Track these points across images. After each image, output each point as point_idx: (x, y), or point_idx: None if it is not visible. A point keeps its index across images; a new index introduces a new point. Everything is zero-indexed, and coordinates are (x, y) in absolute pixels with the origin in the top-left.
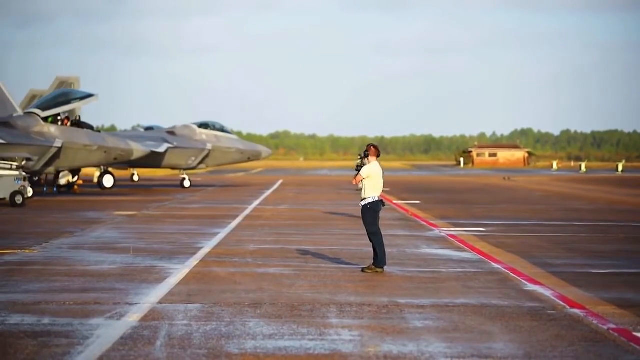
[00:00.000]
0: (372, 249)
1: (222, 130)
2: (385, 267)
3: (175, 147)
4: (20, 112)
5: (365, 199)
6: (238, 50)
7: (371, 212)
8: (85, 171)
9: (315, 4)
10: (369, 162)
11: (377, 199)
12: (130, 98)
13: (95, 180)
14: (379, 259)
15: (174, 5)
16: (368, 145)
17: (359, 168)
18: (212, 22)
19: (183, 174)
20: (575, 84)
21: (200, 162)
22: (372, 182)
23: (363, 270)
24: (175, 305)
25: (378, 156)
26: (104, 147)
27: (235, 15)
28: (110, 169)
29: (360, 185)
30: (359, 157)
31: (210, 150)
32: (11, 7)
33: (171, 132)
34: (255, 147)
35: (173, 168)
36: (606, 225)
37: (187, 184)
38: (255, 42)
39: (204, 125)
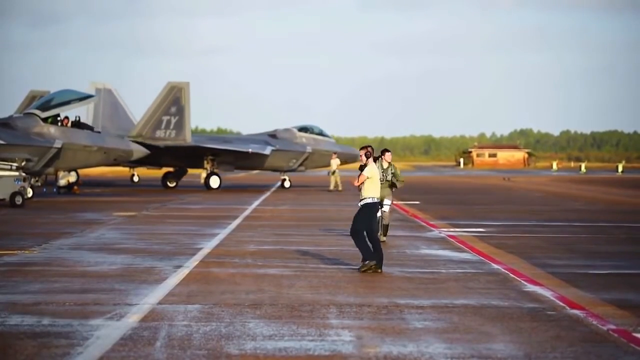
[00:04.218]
0: (371, 250)
1: (321, 134)
2: (384, 268)
3: (278, 150)
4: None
5: (364, 198)
6: (239, 51)
7: (367, 212)
8: (192, 172)
9: (315, 4)
10: (368, 163)
11: (375, 200)
12: (135, 97)
13: (202, 181)
14: (368, 255)
15: (182, 5)
16: (367, 147)
17: (362, 168)
18: (219, 22)
19: (284, 175)
20: (575, 84)
21: (300, 165)
22: (372, 182)
23: (360, 270)
24: (175, 305)
25: (374, 159)
26: (103, 147)
27: (239, 15)
28: (216, 170)
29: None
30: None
31: (310, 153)
32: (22, 6)
33: (273, 135)
34: (352, 150)
35: (275, 170)
36: (606, 226)
37: (287, 184)
38: (256, 43)
39: (303, 129)
